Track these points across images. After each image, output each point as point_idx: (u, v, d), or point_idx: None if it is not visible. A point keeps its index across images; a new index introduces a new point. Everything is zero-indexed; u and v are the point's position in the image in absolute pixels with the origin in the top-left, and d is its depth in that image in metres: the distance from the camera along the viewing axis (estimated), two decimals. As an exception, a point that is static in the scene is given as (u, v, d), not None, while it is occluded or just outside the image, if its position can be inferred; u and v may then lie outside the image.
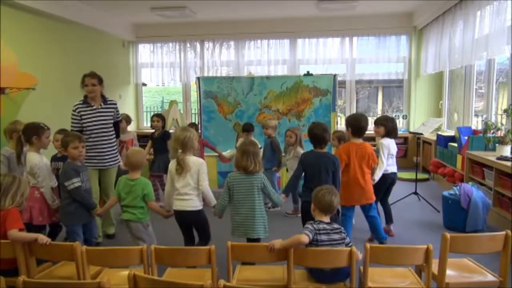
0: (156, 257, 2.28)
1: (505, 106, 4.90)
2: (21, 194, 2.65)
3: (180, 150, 3.00)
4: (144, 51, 9.02)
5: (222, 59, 8.65)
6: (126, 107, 8.48)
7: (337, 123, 5.80)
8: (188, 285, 1.82)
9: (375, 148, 4.03)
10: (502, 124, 4.91)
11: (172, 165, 3.05)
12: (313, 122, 3.55)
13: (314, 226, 2.40)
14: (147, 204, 3.00)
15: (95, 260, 2.36)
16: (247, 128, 5.24)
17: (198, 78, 6.12)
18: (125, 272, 1.99)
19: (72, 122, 3.87)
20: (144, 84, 9.36)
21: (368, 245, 2.22)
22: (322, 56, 8.23)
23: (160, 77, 8.97)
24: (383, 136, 4.05)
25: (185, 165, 2.95)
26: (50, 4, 5.87)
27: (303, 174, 3.32)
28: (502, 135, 4.64)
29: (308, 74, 5.99)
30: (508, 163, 3.99)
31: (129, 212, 3.00)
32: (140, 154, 3.13)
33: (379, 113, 10.52)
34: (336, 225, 2.47)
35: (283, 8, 7.17)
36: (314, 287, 2.32)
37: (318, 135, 3.25)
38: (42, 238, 2.39)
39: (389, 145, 4.04)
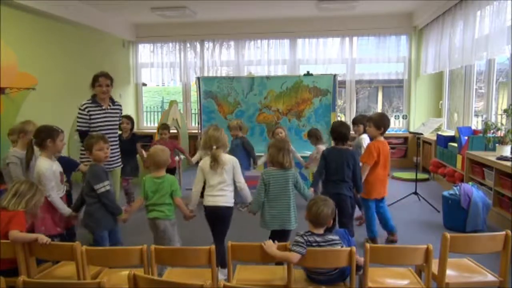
0: (156, 257, 2.28)
1: (505, 106, 4.90)
2: (34, 203, 2.64)
3: (214, 147, 3.07)
4: (144, 51, 9.03)
5: (222, 59, 8.65)
6: (126, 107, 8.48)
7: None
8: (188, 285, 1.82)
9: (355, 143, 4.45)
10: (502, 124, 4.91)
11: (206, 162, 3.10)
12: (337, 120, 4.05)
13: (305, 238, 2.31)
14: (173, 200, 3.01)
15: (95, 260, 2.36)
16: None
17: (198, 78, 6.12)
18: (125, 272, 1.99)
19: (80, 122, 3.75)
20: (144, 84, 9.36)
21: (368, 245, 2.22)
22: (322, 56, 8.23)
23: (160, 77, 8.97)
24: (362, 133, 4.43)
25: (220, 161, 3.04)
26: (50, 4, 5.87)
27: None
28: (502, 135, 4.64)
29: (308, 74, 5.99)
30: (508, 163, 3.99)
31: (157, 210, 2.98)
32: (164, 152, 3.08)
33: (379, 113, 10.54)
34: (329, 237, 2.35)
35: (283, 8, 7.17)
36: (314, 287, 2.32)
37: (342, 132, 3.52)
38: (42, 238, 2.39)
39: (369, 141, 4.26)
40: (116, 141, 3.98)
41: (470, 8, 5.49)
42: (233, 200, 3.14)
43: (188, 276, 2.42)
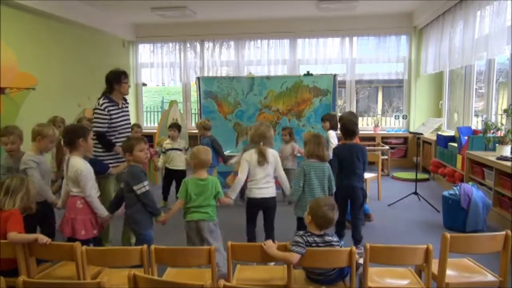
0: (156, 257, 2.28)
1: (505, 106, 4.90)
2: (28, 198, 2.61)
3: (261, 143, 3.30)
4: (144, 51, 9.02)
5: (222, 59, 8.65)
6: (126, 107, 8.48)
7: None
8: (188, 285, 1.82)
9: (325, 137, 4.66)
10: (502, 124, 4.91)
11: (253, 156, 3.32)
12: (345, 116, 4.27)
13: (304, 238, 2.31)
14: (218, 201, 3.06)
15: (95, 260, 2.36)
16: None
17: (198, 78, 6.12)
18: (125, 272, 1.99)
19: (100, 122, 3.56)
20: (144, 84, 9.36)
21: (368, 245, 2.22)
22: (322, 56, 8.23)
23: (160, 77, 8.97)
24: (329, 129, 4.74)
25: (267, 157, 3.29)
26: (50, 4, 5.87)
27: None
28: (502, 135, 4.64)
29: (308, 74, 5.99)
30: (508, 163, 3.99)
31: (201, 212, 2.97)
32: (208, 152, 3.12)
33: (379, 113, 10.53)
34: (328, 238, 2.36)
35: (283, 8, 7.17)
36: (314, 287, 2.32)
37: (351, 129, 3.74)
38: (42, 238, 2.39)
39: (335, 135, 4.64)
40: None
41: (470, 8, 5.49)
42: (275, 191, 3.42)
43: (188, 276, 2.42)
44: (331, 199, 2.58)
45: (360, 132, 8.16)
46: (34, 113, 4.96)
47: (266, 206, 3.36)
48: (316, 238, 2.34)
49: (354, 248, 2.21)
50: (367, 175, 5.44)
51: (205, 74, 8.43)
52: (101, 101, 3.62)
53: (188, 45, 8.67)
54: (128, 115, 3.86)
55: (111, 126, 3.61)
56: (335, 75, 5.82)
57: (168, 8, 6.96)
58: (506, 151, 4.45)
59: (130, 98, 8.86)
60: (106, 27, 7.56)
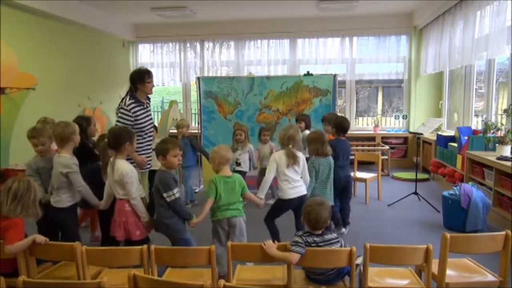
0: (156, 257, 2.28)
1: (505, 106, 4.90)
2: (34, 204, 2.52)
3: (290, 146, 3.47)
4: (144, 51, 9.02)
5: (222, 59, 8.65)
6: (126, 107, 8.47)
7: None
8: (188, 285, 1.82)
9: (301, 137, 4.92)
10: (502, 124, 4.91)
11: (281, 157, 3.45)
12: (339, 116, 4.63)
13: (303, 238, 2.32)
14: (244, 197, 3.10)
15: (95, 260, 2.36)
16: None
17: (198, 78, 6.12)
18: (125, 272, 1.99)
19: (124, 123, 3.49)
20: (144, 84, 9.34)
21: (367, 244, 2.22)
22: (322, 56, 8.22)
23: (160, 77, 8.96)
24: (304, 129, 5.03)
25: (297, 159, 3.46)
26: (50, 4, 5.87)
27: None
28: (502, 135, 4.64)
29: (308, 74, 5.99)
30: (508, 163, 3.99)
31: (231, 209, 3.00)
32: (229, 148, 3.21)
33: (379, 113, 10.53)
34: (328, 236, 2.37)
35: (283, 8, 7.17)
36: (314, 287, 2.32)
37: (346, 127, 4.21)
38: (40, 238, 2.39)
39: None
40: (152, 140, 3.81)
41: (470, 8, 5.49)
42: None
43: (188, 276, 2.42)
44: (323, 199, 2.57)
45: (360, 132, 8.24)
46: (34, 113, 4.96)
47: (301, 204, 3.36)
48: (315, 238, 2.34)
49: (354, 248, 2.21)
50: (367, 175, 5.45)
51: (205, 74, 8.43)
52: (127, 101, 3.54)
53: (188, 45, 8.67)
54: (151, 114, 3.83)
55: (137, 127, 3.54)
56: (335, 75, 5.82)
57: (168, 8, 6.96)
58: (506, 151, 4.45)
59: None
60: (106, 27, 7.56)
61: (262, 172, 4.26)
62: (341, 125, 4.20)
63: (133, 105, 3.53)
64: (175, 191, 2.87)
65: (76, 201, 3.16)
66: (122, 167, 2.93)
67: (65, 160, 3.02)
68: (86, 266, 2.31)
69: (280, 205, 3.52)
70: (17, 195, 2.45)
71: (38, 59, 6.05)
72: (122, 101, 3.60)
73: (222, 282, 1.77)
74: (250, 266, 2.67)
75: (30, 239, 2.40)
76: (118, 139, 2.99)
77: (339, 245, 2.37)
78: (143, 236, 2.99)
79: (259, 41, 8.47)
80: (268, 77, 6.09)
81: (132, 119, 3.51)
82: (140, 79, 3.60)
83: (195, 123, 9.10)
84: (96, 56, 7.58)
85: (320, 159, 3.68)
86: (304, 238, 2.32)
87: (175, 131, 5.55)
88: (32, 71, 5.79)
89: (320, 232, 2.38)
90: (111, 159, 3.04)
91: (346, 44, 8.12)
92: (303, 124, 5.09)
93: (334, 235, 2.41)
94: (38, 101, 5.83)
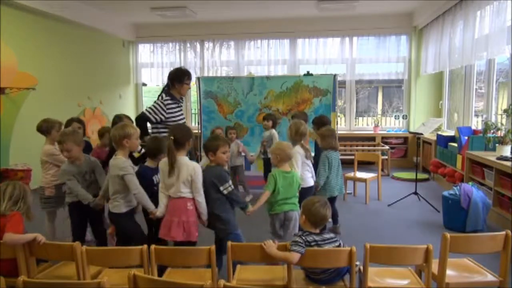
0: (156, 257, 2.28)
1: (505, 106, 4.90)
2: (24, 202, 2.58)
3: (302, 141, 3.71)
4: (144, 51, 9.03)
5: (222, 59, 8.65)
6: (126, 107, 8.48)
7: (337, 123, 5.81)
8: (188, 285, 1.82)
9: (267, 136, 5.21)
10: (502, 124, 4.90)
11: (301, 151, 3.68)
12: (320, 115, 4.95)
13: (303, 238, 2.32)
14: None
15: (95, 260, 2.36)
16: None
17: (198, 78, 6.12)
18: (125, 272, 1.99)
19: (154, 112, 3.63)
20: (144, 84, 9.36)
21: (367, 244, 2.22)
22: (322, 56, 8.23)
23: (160, 77, 8.96)
24: (271, 128, 5.19)
25: (310, 152, 3.75)
26: (50, 4, 5.87)
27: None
28: (502, 135, 4.64)
29: (308, 74, 5.99)
30: (508, 163, 3.99)
31: (289, 203, 3.16)
32: (291, 146, 3.33)
33: (379, 113, 10.51)
34: (326, 235, 2.38)
35: (283, 8, 7.17)
36: (314, 287, 2.32)
37: (326, 122, 4.59)
38: (40, 237, 2.39)
39: (276, 133, 5.19)
40: None
41: (470, 8, 5.49)
42: None
43: (188, 276, 2.42)
44: (322, 197, 2.59)
45: (360, 132, 8.24)
46: (34, 113, 4.96)
47: (309, 192, 3.70)
48: (315, 237, 2.35)
49: (354, 248, 2.21)
50: (367, 175, 5.45)
51: (205, 74, 8.44)
52: (164, 97, 3.70)
53: (188, 45, 8.67)
54: (183, 112, 3.96)
55: (167, 123, 3.65)
56: (335, 75, 5.82)
57: (168, 8, 6.97)
58: (506, 151, 4.45)
59: (130, 98, 8.91)
60: (106, 27, 7.57)
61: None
62: (322, 122, 4.58)
63: (169, 101, 3.68)
64: (230, 182, 2.92)
65: (133, 206, 3.01)
66: (191, 163, 2.85)
67: (120, 162, 2.90)
68: (86, 266, 2.31)
69: (308, 192, 3.61)
70: (12, 197, 2.54)
71: (38, 59, 6.06)
72: (158, 97, 3.76)
73: (222, 282, 1.77)
74: (250, 266, 2.66)
75: (31, 236, 2.40)
76: (183, 138, 2.86)
77: (338, 243, 2.38)
78: (196, 238, 2.85)
79: (259, 41, 8.47)
80: (268, 77, 6.09)
81: (164, 113, 3.66)
82: (179, 78, 3.73)
83: (195, 123, 9.10)
84: (96, 56, 7.58)
85: (332, 152, 4.02)
86: (304, 237, 2.32)
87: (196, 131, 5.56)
88: (32, 71, 5.80)
89: (318, 230, 2.40)
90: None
91: (346, 44, 8.12)
92: (270, 123, 5.22)
93: (332, 234, 2.43)
94: (38, 101, 5.83)
